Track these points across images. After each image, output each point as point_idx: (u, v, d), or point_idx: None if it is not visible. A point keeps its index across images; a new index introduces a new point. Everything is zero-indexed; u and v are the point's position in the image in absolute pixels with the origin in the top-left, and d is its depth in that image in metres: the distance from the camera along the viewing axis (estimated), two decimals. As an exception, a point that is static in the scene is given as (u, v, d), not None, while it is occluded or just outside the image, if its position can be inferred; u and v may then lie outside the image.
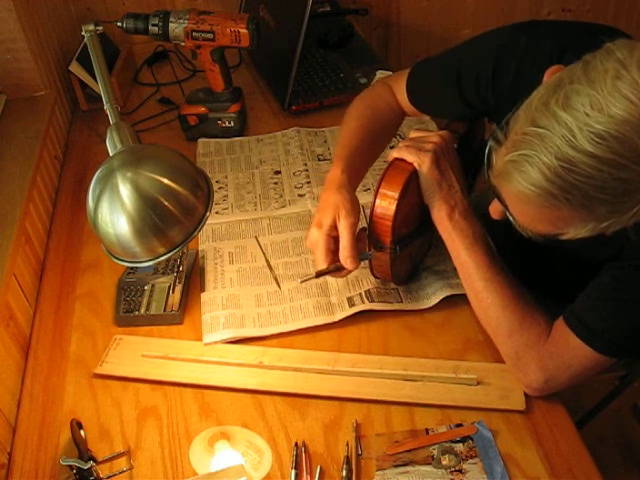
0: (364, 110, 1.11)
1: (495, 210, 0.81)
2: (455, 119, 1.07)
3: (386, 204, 0.95)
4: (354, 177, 1.03)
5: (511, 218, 0.76)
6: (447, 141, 0.98)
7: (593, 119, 0.62)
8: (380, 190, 0.95)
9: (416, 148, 0.96)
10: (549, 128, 0.65)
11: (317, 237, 0.96)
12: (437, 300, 1.05)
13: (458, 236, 0.96)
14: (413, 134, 1.01)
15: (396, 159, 0.97)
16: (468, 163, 1.04)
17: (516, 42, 0.91)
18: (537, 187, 0.66)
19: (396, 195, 0.94)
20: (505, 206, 0.76)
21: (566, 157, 0.63)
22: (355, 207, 0.98)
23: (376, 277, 1.07)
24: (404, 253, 1.01)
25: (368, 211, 0.97)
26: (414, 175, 0.95)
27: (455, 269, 0.99)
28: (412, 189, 0.96)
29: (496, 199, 0.79)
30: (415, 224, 1.02)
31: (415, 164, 0.95)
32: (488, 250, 0.96)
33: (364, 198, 1.12)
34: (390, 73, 1.56)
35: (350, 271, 0.98)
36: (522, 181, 0.67)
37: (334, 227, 0.96)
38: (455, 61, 1.01)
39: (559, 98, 0.65)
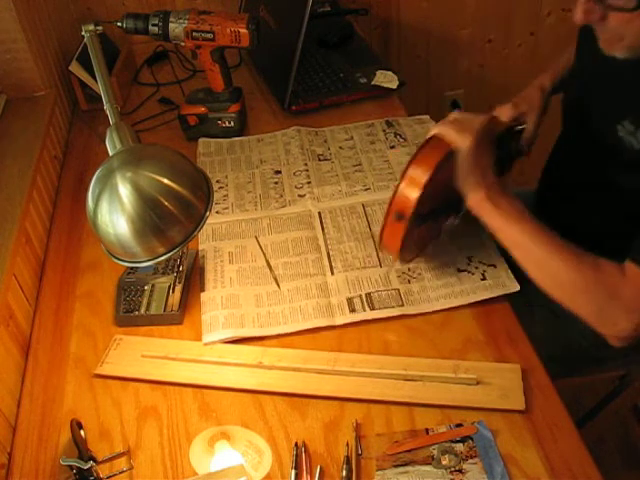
0: None
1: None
2: None
3: (419, 173, 0.94)
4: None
5: None
6: (490, 127, 0.98)
7: None
8: (416, 158, 0.95)
9: (458, 128, 0.96)
10: None
11: None
12: (439, 307, 1.04)
13: (502, 214, 0.95)
14: (456, 115, 1.00)
15: (435, 136, 0.96)
16: (498, 162, 1.02)
17: None
18: None
19: (432, 166, 0.93)
20: None
21: None
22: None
23: (381, 249, 1.06)
24: (416, 232, 1.00)
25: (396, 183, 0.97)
26: (450, 154, 0.95)
27: (458, 277, 0.98)
28: (445, 168, 0.95)
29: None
30: (435, 205, 1.01)
31: (456, 143, 0.95)
32: (536, 219, 0.94)
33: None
34: (390, 73, 1.56)
35: None
36: None
37: None
38: None
39: None
